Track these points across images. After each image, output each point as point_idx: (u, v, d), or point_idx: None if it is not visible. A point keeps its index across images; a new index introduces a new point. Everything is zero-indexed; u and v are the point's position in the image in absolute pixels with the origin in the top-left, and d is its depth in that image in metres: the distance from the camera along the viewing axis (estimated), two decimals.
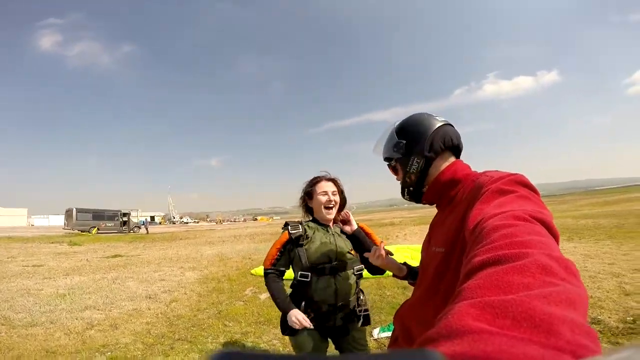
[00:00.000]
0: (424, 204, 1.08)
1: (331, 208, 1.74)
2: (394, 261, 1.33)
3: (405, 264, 1.32)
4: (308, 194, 1.81)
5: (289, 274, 1.71)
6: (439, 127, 0.98)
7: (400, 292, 4.83)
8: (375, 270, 1.72)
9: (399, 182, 1.10)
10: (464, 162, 1.01)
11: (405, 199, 1.11)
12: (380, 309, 4.19)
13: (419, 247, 1.19)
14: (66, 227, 28.56)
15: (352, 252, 1.72)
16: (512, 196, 0.64)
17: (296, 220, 1.85)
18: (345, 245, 1.72)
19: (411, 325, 0.97)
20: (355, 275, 1.72)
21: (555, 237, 0.52)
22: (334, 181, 1.81)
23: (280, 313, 1.69)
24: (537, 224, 0.51)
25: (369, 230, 1.86)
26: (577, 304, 0.30)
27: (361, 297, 1.78)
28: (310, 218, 1.84)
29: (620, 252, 6.47)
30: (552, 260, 0.37)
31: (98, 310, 4.55)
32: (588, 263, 5.78)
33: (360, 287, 1.83)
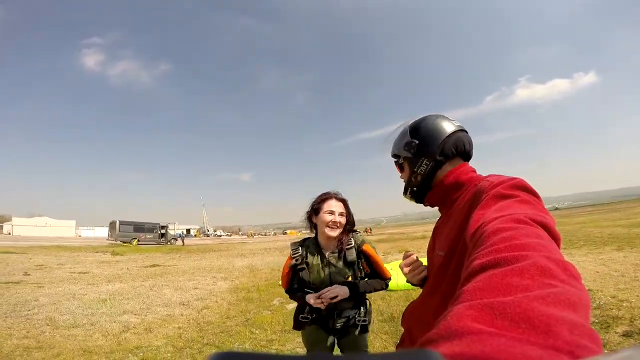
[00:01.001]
0: (425, 205, 1.07)
1: (334, 228, 1.74)
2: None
3: None
4: (315, 210, 1.81)
5: None
6: (453, 132, 0.96)
7: None
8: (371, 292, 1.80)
9: (403, 180, 1.09)
10: (470, 165, 0.99)
11: (406, 198, 1.10)
12: None
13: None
14: (109, 238, 30.33)
15: (349, 278, 1.74)
16: (512, 200, 0.64)
17: (301, 238, 1.93)
18: (340, 273, 1.74)
19: (413, 326, 0.98)
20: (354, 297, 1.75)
21: (557, 240, 0.52)
22: (343, 202, 1.81)
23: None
24: (538, 227, 0.51)
25: (375, 257, 1.82)
26: (577, 306, 0.30)
27: (362, 309, 1.80)
28: (314, 234, 1.89)
29: None
30: (552, 262, 0.37)
31: (135, 314, 4.76)
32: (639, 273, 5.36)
33: (368, 298, 1.87)
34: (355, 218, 1.88)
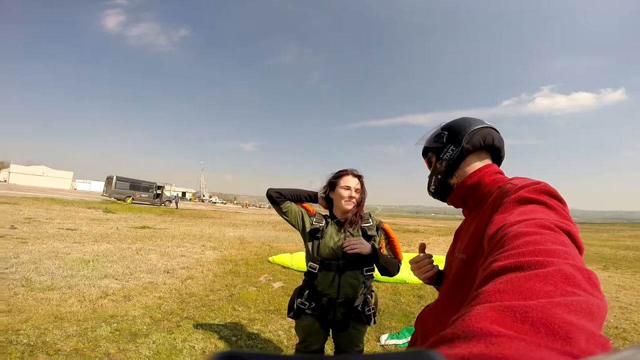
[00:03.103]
0: (448, 204, 1.06)
1: (350, 202, 1.78)
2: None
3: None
4: (331, 185, 1.85)
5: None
6: (483, 126, 0.98)
7: (415, 300, 4.60)
8: (385, 271, 1.76)
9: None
10: (499, 167, 0.99)
11: (430, 192, 1.08)
12: (392, 314, 4.00)
13: (440, 257, 1.16)
14: (104, 194, 30.25)
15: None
16: (535, 205, 0.62)
17: (323, 213, 1.90)
18: None
19: (430, 328, 0.96)
20: (363, 275, 1.75)
21: (580, 249, 0.50)
22: (359, 178, 1.83)
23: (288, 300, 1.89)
24: (563, 234, 0.49)
25: (393, 235, 1.87)
26: (596, 315, 0.30)
27: (369, 297, 1.82)
28: (328, 211, 1.90)
29: None
30: (577, 271, 0.37)
31: (116, 279, 4.64)
32: (621, 294, 5.51)
33: (373, 288, 1.88)
34: None
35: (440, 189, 1.02)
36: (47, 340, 2.62)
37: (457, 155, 0.96)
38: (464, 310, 0.34)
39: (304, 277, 1.84)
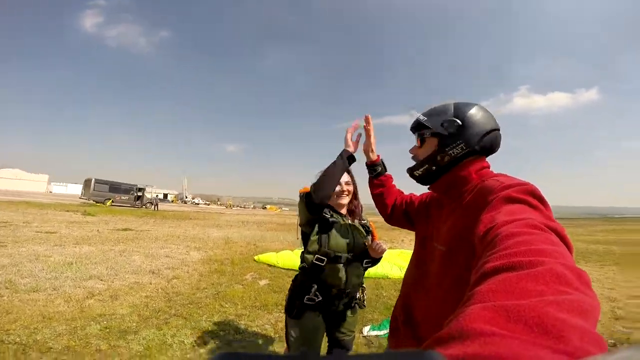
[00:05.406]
0: (429, 189, 1.06)
1: (343, 196, 1.81)
2: None
3: None
4: None
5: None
6: (496, 129, 0.95)
7: (396, 294, 4.79)
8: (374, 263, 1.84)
9: (414, 154, 1.05)
10: (487, 160, 0.98)
11: (413, 176, 1.04)
12: (374, 307, 4.18)
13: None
14: (82, 197, 29.40)
15: (367, 243, 1.75)
16: (523, 206, 0.63)
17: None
18: (361, 238, 1.77)
19: (420, 313, 0.97)
20: (363, 267, 1.80)
21: (569, 247, 0.52)
22: (348, 171, 1.86)
23: (283, 300, 1.91)
24: (552, 234, 0.51)
25: (375, 230, 1.92)
26: (589, 313, 0.31)
27: (364, 285, 1.93)
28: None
29: (623, 279, 6.40)
30: (567, 270, 0.37)
31: (101, 280, 4.64)
32: None
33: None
34: None
35: (428, 177, 1.00)
36: (38, 339, 2.66)
37: (462, 156, 0.93)
38: (458, 310, 0.34)
39: (300, 275, 1.79)
